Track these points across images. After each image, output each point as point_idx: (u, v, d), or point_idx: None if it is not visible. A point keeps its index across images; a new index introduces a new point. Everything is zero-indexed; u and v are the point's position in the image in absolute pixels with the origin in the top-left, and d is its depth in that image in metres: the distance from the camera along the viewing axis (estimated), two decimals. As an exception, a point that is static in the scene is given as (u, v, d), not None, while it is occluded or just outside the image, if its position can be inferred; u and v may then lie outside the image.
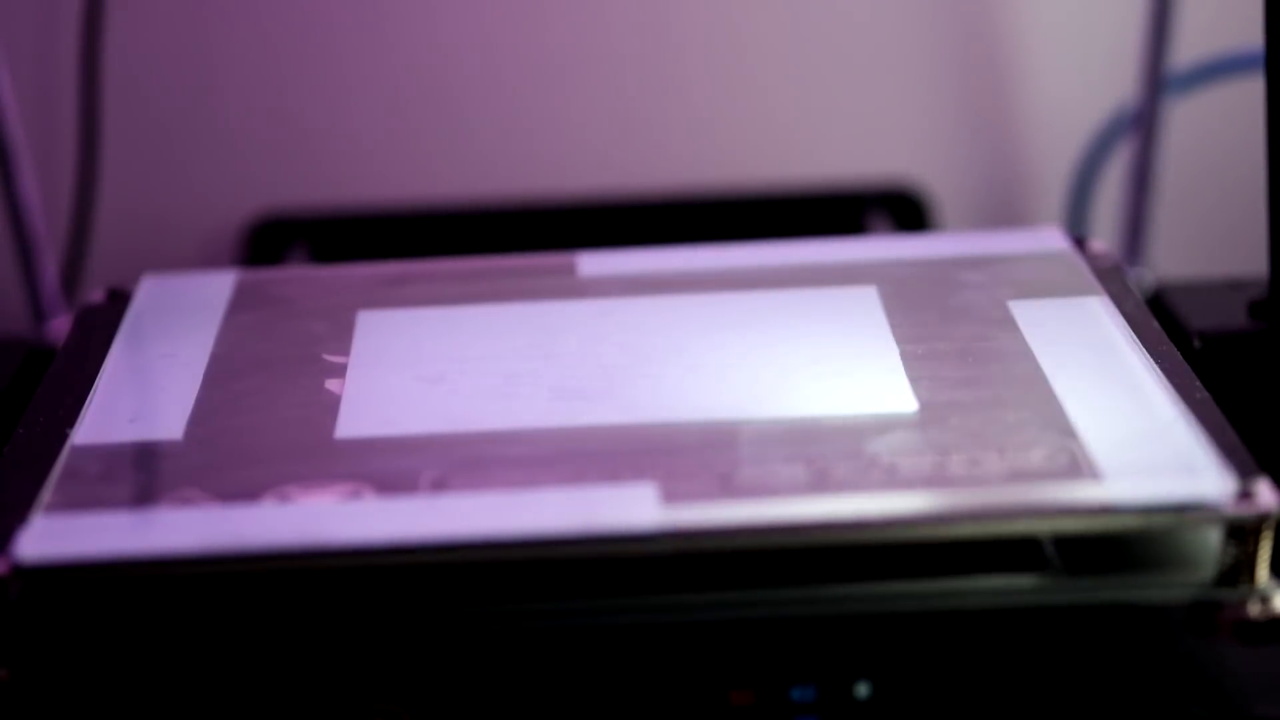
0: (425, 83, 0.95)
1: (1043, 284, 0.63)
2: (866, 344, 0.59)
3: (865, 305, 0.61)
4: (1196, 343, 0.65)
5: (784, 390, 0.56)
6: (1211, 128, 0.90)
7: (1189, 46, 0.85)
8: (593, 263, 0.67)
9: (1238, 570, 0.50)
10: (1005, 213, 0.93)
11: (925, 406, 0.55)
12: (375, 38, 0.94)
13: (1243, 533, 0.50)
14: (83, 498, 0.52)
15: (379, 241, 0.95)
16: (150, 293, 0.66)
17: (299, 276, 0.69)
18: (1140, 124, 0.82)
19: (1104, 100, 0.89)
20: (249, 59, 0.94)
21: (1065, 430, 0.53)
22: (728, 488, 0.51)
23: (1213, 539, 0.51)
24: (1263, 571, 0.50)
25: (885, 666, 0.51)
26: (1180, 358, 0.59)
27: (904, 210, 0.90)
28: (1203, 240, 0.93)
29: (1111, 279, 0.64)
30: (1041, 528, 0.50)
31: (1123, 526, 0.50)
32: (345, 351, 0.60)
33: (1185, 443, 0.52)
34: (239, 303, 0.64)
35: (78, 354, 0.62)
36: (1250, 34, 0.67)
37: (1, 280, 0.89)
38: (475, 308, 0.63)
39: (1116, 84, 0.88)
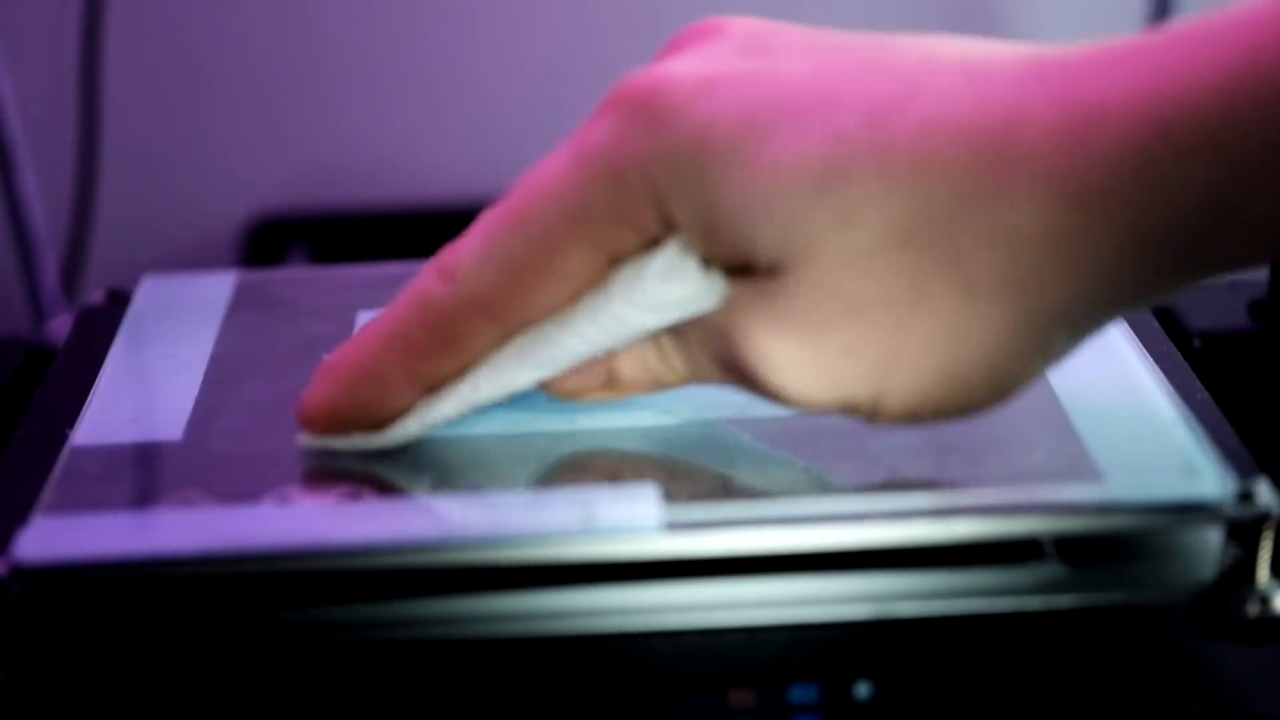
0: (425, 83, 0.95)
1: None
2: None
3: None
4: (1196, 343, 0.65)
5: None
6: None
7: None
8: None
9: (1238, 570, 0.50)
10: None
11: (925, 406, 0.55)
12: (375, 38, 0.94)
13: (1243, 533, 0.50)
14: (82, 498, 0.52)
15: (379, 241, 0.95)
16: (150, 293, 0.66)
17: (299, 277, 0.69)
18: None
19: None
20: (249, 59, 0.94)
21: (1065, 430, 0.53)
22: (728, 488, 0.51)
23: (1213, 539, 0.51)
24: (1263, 571, 0.50)
25: (886, 666, 0.51)
26: (1180, 358, 0.59)
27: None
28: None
29: (1111, 279, 0.63)
30: (1041, 527, 0.50)
31: (1123, 526, 0.50)
32: (345, 352, 0.60)
33: (1185, 443, 0.52)
34: (239, 303, 0.64)
35: (78, 354, 0.62)
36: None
37: (1, 280, 0.89)
38: (475, 308, 0.63)
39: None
